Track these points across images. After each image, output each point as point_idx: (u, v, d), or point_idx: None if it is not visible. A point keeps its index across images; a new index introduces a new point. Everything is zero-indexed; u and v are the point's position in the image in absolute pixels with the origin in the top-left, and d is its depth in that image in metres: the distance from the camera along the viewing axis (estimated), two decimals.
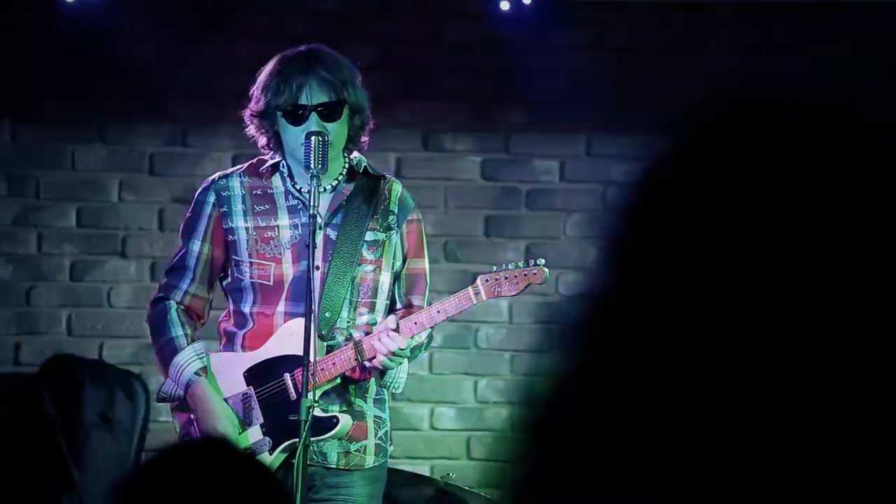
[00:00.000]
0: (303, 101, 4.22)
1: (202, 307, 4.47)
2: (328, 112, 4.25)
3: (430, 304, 4.42)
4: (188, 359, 4.35)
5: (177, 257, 4.46)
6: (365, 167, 4.43)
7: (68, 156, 6.29)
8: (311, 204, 4.18)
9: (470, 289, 4.31)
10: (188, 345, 4.37)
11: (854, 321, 0.84)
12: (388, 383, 4.36)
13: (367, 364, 4.27)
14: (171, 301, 4.42)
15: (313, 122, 4.21)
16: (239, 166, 4.50)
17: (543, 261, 4.33)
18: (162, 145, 6.31)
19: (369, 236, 4.39)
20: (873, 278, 0.83)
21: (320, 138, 4.18)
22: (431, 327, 4.35)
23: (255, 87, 4.33)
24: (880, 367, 0.83)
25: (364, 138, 4.39)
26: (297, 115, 4.23)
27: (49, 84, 6.21)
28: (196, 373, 4.34)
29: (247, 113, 4.35)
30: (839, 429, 0.82)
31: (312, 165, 4.17)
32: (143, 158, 6.31)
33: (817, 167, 0.87)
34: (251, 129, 4.37)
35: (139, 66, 6.15)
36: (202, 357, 4.37)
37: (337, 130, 4.27)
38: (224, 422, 4.32)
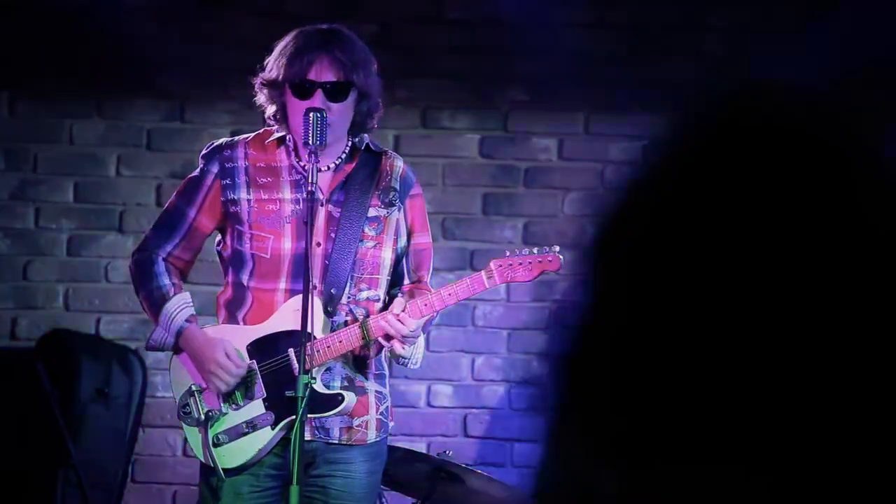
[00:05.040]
0: (311, 76, 4.24)
1: (185, 269, 4.52)
2: (334, 91, 4.26)
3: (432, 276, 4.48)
4: (178, 306, 4.39)
5: (166, 214, 4.48)
6: (367, 145, 4.45)
7: (66, 130, 6.28)
8: (310, 179, 4.18)
9: (483, 273, 4.32)
10: (176, 294, 4.40)
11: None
12: (407, 361, 4.40)
13: (386, 346, 4.30)
14: (157, 255, 4.44)
15: (318, 99, 4.23)
16: (245, 136, 4.50)
17: (558, 248, 4.33)
18: (160, 120, 6.30)
19: (371, 212, 4.40)
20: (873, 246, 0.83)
21: (318, 114, 4.18)
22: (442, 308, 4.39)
23: (269, 57, 4.35)
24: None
25: (372, 124, 4.42)
26: (303, 90, 4.24)
27: (47, 58, 6.19)
28: (187, 320, 4.38)
29: (258, 81, 4.36)
30: (838, 428, 0.82)
31: (311, 141, 4.18)
32: (140, 133, 6.30)
33: (817, 145, 0.86)
34: (260, 98, 4.38)
35: (138, 40, 6.14)
36: (191, 305, 4.42)
37: (341, 111, 4.28)
38: (221, 353, 4.32)
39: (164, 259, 4.44)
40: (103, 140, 6.29)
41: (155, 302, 4.40)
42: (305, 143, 4.20)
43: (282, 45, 4.32)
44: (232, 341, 4.36)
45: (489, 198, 6.34)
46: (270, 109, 4.36)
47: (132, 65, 6.18)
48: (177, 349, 4.41)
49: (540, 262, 4.33)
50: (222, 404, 4.36)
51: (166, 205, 4.53)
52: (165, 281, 4.41)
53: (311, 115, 4.18)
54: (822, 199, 0.86)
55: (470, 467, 5.12)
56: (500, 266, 4.32)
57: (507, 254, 4.35)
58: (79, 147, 6.28)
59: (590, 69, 6.24)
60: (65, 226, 6.28)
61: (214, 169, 4.42)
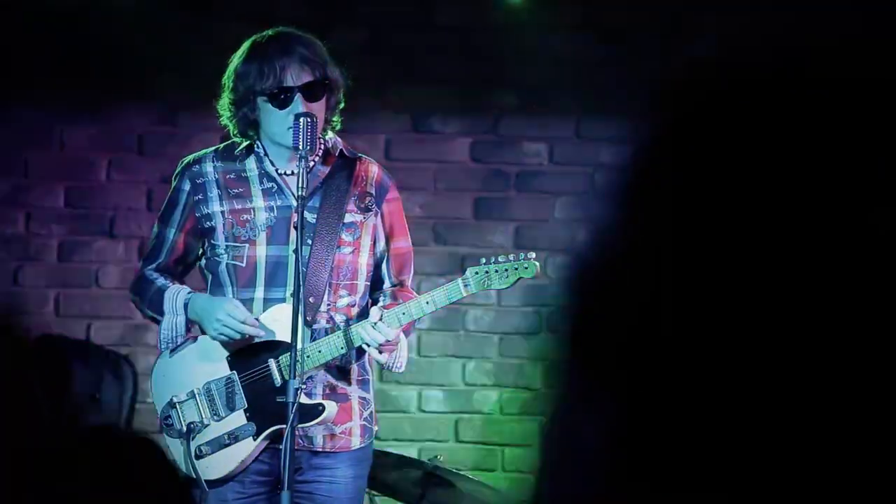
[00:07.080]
0: (288, 82, 4.21)
1: (179, 278, 4.50)
2: (312, 92, 4.24)
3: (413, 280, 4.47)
4: (177, 289, 4.36)
5: (152, 243, 4.48)
6: (340, 149, 4.42)
7: (56, 135, 6.27)
8: (299, 184, 4.17)
9: (460, 281, 4.30)
10: (174, 284, 4.40)
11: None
12: (391, 365, 4.38)
13: (367, 350, 4.28)
14: (148, 271, 4.45)
15: (299, 104, 4.21)
16: (212, 148, 4.47)
17: (534, 254, 4.31)
18: (150, 125, 6.29)
19: (347, 218, 4.38)
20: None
21: (309, 119, 4.17)
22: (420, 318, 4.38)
23: (227, 76, 4.29)
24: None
25: (335, 118, 4.37)
26: (282, 98, 4.21)
27: (38, 63, 6.18)
28: (189, 293, 4.35)
29: (222, 102, 4.31)
30: (840, 428, 0.81)
31: (301, 146, 4.16)
32: (131, 138, 6.30)
33: (812, 147, 0.86)
34: (224, 118, 4.33)
35: (128, 45, 6.13)
36: (189, 290, 4.38)
37: (319, 110, 4.26)
38: (230, 303, 4.28)
39: (155, 270, 4.44)
40: (94, 145, 6.28)
41: (157, 300, 4.38)
42: (296, 149, 4.18)
43: (240, 60, 4.27)
44: (213, 353, 4.35)
45: (480, 202, 6.34)
46: (237, 127, 4.32)
47: (123, 70, 6.17)
48: (187, 326, 4.35)
49: (516, 268, 4.30)
50: (204, 416, 4.35)
51: (150, 237, 4.53)
52: (161, 280, 4.40)
53: (301, 120, 4.16)
54: (831, 201, 0.85)
55: (461, 472, 5.11)
56: (476, 273, 4.30)
57: (483, 261, 4.32)
58: (70, 152, 6.28)
59: (580, 73, 6.24)
60: (55, 231, 6.27)
61: (187, 187, 4.41)
